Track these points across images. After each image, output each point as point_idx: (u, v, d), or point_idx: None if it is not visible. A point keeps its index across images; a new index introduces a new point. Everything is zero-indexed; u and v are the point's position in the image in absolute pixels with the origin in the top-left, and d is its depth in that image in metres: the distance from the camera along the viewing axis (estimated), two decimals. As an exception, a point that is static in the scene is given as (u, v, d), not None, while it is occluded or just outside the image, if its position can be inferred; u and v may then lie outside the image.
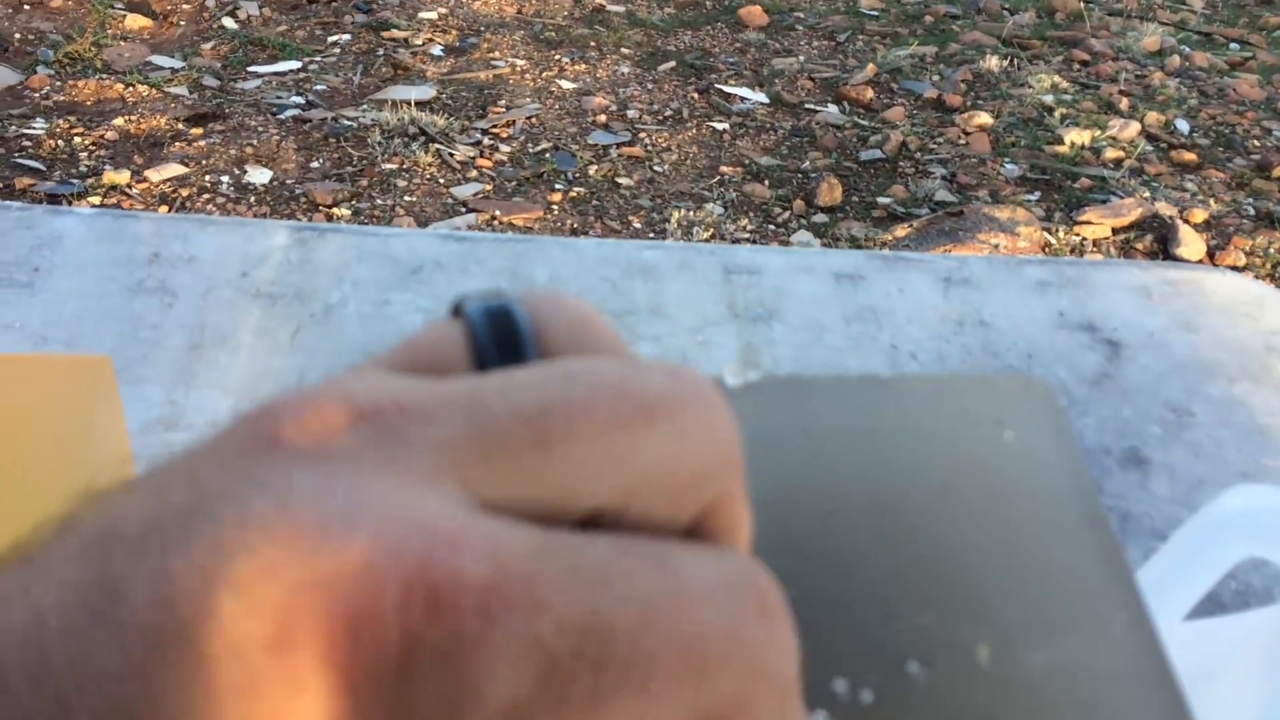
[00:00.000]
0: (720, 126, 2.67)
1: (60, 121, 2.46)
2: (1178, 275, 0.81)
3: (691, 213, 2.31)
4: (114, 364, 0.65)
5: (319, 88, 2.70)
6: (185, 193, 2.26)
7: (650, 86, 2.84)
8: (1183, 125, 2.75)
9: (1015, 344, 0.74)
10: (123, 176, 2.27)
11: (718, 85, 2.86)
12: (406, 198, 2.31)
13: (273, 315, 0.69)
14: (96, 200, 2.21)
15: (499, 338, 0.17)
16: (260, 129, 2.50)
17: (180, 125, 2.49)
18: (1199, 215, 2.34)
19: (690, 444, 0.15)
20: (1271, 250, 2.24)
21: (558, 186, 2.40)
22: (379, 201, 2.28)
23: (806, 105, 2.80)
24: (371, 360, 0.17)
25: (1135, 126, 2.68)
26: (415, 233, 0.78)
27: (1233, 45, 3.31)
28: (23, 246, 0.70)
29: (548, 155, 2.51)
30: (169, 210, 2.20)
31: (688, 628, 0.14)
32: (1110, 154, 2.58)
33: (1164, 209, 2.35)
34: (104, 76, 2.65)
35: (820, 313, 0.75)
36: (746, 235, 2.26)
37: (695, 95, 2.81)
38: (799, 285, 0.77)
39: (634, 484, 0.15)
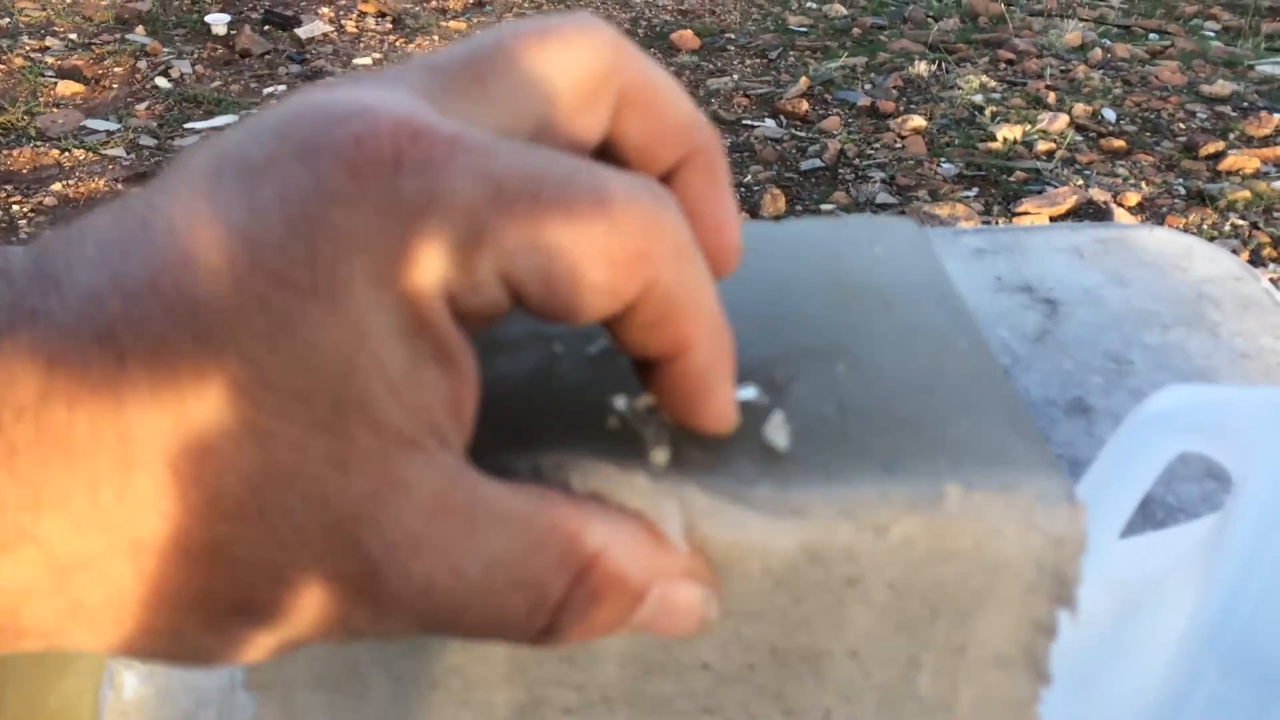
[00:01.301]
0: (660, 148, 2.70)
1: (-3, 191, 2.44)
2: (1107, 234, 0.83)
3: (638, 233, 2.33)
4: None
5: (258, 139, 2.70)
6: (129, 252, 2.25)
7: (588, 115, 2.87)
8: (1109, 114, 2.82)
9: (957, 310, 0.76)
10: (64, 240, 2.25)
11: (655, 109, 2.90)
12: (353, 240, 2.31)
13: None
14: (39, 266, 2.19)
15: None
16: (201, 184, 2.49)
17: (120, 186, 2.47)
18: (1132, 198, 2.40)
19: (582, 47, 0.20)
20: (1205, 226, 2.30)
21: (504, 218, 2.41)
22: (326, 246, 2.28)
23: (744, 121, 2.84)
24: None
25: (1064, 118, 2.74)
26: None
27: (1151, 35, 3.40)
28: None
29: (492, 188, 2.52)
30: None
31: (600, 188, 0.18)
32: (1042, 146, 2.63)
33: (1098, 194, 2.40)
34: (38, 144, 2.63)
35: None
36: (694, 251, 2.28)
37: (633, 120, 2.84)
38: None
39: (549, 98, 0.20)
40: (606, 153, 0.21)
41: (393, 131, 0.17)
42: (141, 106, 2.84)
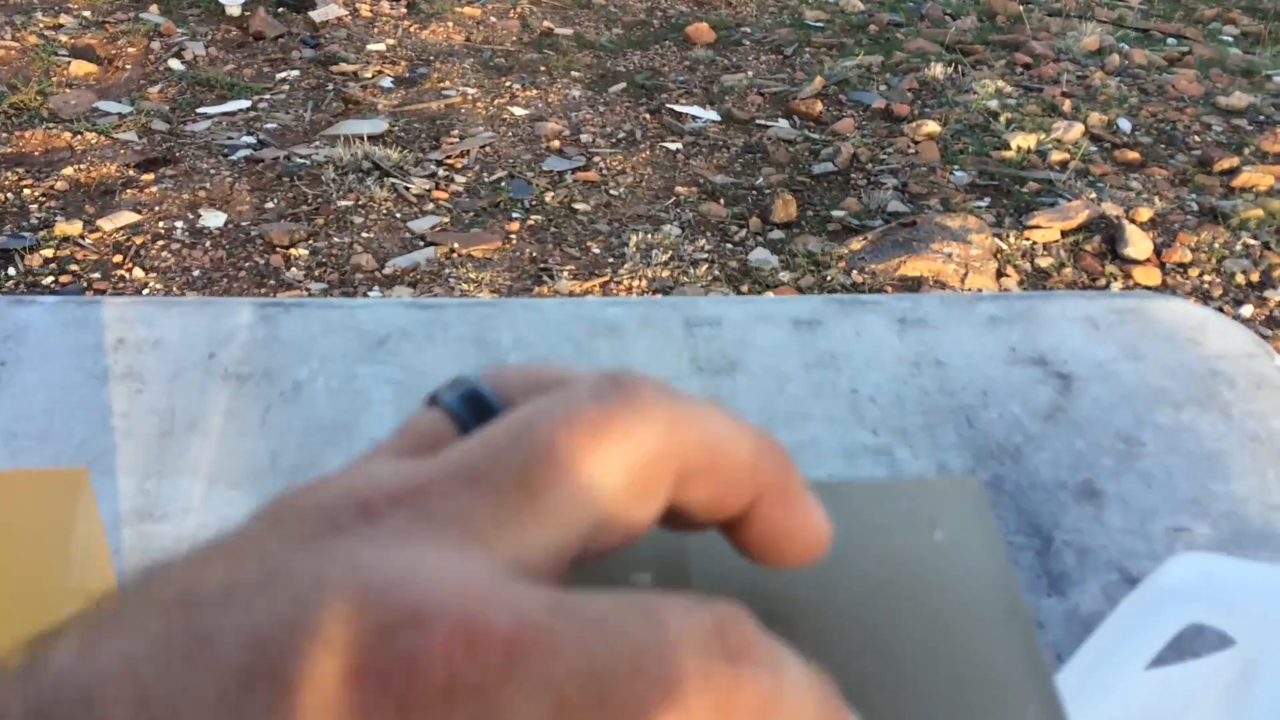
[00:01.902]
0: (673, 146, 2.69)
1: (8, 174, 2.44)
2: (1123, 304, 0.83)
3: (649, 235, 2.33)
4: (86, 454, 0.65)
5: (270, 126, 2.70)
6: (139, 240, 2.25)
7: (602, 109, 2.86)
8: (1125, 124, 2.80)
9: (971, 382, 0.76)
10: (75, 227, 2.26)
11: (669, 104, 2.89)
12: (364, 234, 2.31)
13: (242, 396, 0.70)
14: (49, 253, 2.19)
15: (476, 412, 0.21)
16: (212, 171, 2.49)
17: (131, 172, 2.47)
18: (1144, 214, 2.39)
19: (637, 437, 0.19)
20: (1216, 245, 2.30)
21: (515, 215, 2.41)
22: (336, 240, 2.28)
23: (757, 121, 2.83)
24: (378, 449, 0.21)
25: (1079, 128, 2.73)
26: (379, 302, 0.79)
27: (1170, 40, 3.38)
28: (-13, 340, 0.71)
29: (503, 184, 2.52)
30: (124, 260, 2.19)
31: (669, 673, 0.16)
32: (1056, 156, 2.63)
33: (1110, 209, 2.40)
34: (51, 125, 2.63)
35: (781, 361, 0.77)
36: (704, 255, 2.28)
37: (647, 116, 2.83)
38: (759, 335, 0.79)
39: (606, 498, 0.19)
40: (674, 514, 0.21)
41: (445, 645, 0.16)
42: (154, 89, 2.84)
